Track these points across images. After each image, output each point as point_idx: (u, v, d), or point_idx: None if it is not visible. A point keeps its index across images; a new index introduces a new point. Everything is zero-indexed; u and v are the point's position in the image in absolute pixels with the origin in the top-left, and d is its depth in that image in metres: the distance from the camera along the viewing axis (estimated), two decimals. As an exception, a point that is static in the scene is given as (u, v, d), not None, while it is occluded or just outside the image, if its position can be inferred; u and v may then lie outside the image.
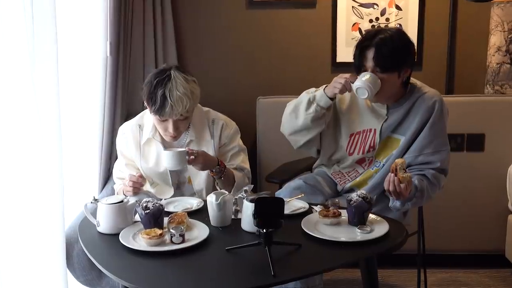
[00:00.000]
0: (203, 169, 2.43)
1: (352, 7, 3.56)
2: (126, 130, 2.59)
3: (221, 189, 2.49)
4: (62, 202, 2.17)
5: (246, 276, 1.80)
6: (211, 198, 2.12)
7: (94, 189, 2.87)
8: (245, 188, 2.15)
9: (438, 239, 3.34)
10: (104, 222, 2.08)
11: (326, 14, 3.60)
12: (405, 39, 2.42)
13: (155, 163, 2.54)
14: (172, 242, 1.93)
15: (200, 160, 2.38)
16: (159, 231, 1.95)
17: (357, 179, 2.60)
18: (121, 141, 2.60)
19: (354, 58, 2.44)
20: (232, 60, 3.69)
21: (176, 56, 3.52)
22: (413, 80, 2.54)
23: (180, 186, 2.62)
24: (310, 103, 2.47)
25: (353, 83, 2.36)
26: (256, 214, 1.81)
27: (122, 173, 2.58)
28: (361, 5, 3.56)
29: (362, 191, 2.13)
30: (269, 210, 1.82)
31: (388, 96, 2.47)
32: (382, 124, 2.51)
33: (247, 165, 2.63)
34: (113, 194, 2.66)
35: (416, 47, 2.52)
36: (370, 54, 2.36)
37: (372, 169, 2.57)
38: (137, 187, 2.37)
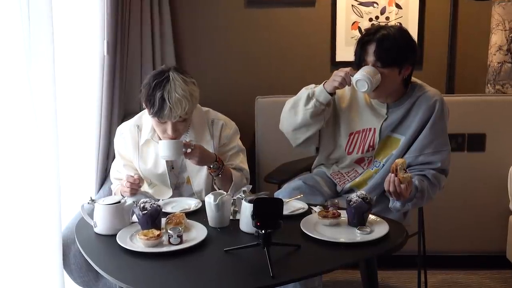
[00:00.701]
0: (199, 163, 2.41)
1: (352, 5, 3.56)
2: (124, 130, 2.58)
3: (219, 188, 2.48)
4: (58, 203, 2.17)
5: (244, 278, 1.79)
6: (209, 199, 2.11)
7: (91, 189, 2.86)
8: (243, 188, 2.15)
9: (438, 240, 3.34)
10: (101, 223, 2.07)
11: (325, 12, 3.59)
12: (407, 36, 2.43)
13: (154, 164, 2.52)
14: (169, 243, 1.92)
15: (197, 153, 2.37)
16: (156, 232, 1.94)
17: (357, 180, 2.59)
18: (119, 141, 2.58)
19: (355, 54, 2.45)
20: (230, 59, 3.68)
21: (174, 55, 3.51)
22: (413, 79, 2.54)
23: (179, 186, 2.61)
24: (309, 98, 2.46)
25: (352, 76, 2.36)
26: (255, 215, 1.81)
27: (119, 173, 2.57)
28: (361, 3, 3.55)
29: (361, 192, 2.13)
30: (268, 211, 1.82)
31: (388, 93, 2.46)
32: (382, 123, 2.50)
33: (245, 166, 2.62)
34: (110, 194, 2.65)
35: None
36: (371, 48, 2.37)
37: (372, 169, 2.56)
38: (134, 188, 2.36)
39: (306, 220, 2.13)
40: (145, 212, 2.00)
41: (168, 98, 2.28)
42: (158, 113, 2.32)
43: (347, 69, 2.39)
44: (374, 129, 2.52)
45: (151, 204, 2.02)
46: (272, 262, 1.75)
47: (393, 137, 2.52)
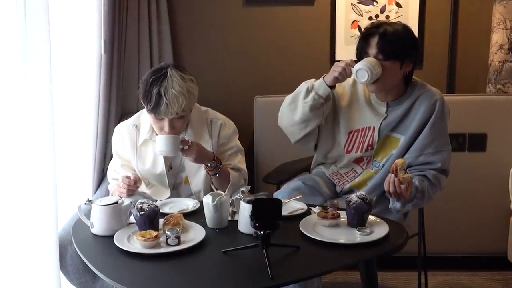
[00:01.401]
0: (196, 160, 2.40)
1: (351, 4, 3.55)
2: (122, 130, 2.57)
3: (216, 188, 2.48)
4: (55, 203, 2.16)
5: (243, 279, 1.79)
6: (208, 199, 2.11)
7: (88, 189, 2.86)
8: (242, 189, 2.15)
9: (439, 241, 3.33)
10: (98, 224, 2.07)
11: (324, 11, 3.58)
12: (410, 33, 2.45)
13: (152, 165, 2.51)
14: (167, 244, 1.92)
15: (194, 150, 2.36)
16: (154, 233, 1.93)
17: (356, 180, 2.58)
18: (117, 141, 2.58)
19: (357, 48, 2.47)
20: (229, 58, 3.67)
21: (172, 54, 3.50)
22: (414, 78, 2.53)
23: (177, 187, 2.60)
24: (308, 91, 2.47)
25: (353, 67, 2.37)
26: (254, 216, 1.81)
27: (117, 173, 2.56)
28: (361, 2, 3.54)
29: (361, 192, 2.12)
30: (266, 212, 1.81)
31: (388, 88, 2.46)
32: (381, 122, 2.50)
33: (244, 166, 2.61)
34: (108, 195, 2.64)
35: (417, 45, 2.53)
36: (374, 41, 2.39)
37: (372, 169, 2.55)
38: (131, 189, 2.36)
39: (305, 221, 2.12)
40: (143, 212, 2.00)
41: (164, 94, 2.28)
42: (154, 109, 2.31)
43: (348, 60, 2.41)
44: (373, 127, 2.51)
45: (148, 205, 2.02)
46: (271, 263, 1.74)
47: (393, 136, 2.51)
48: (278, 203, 1.84)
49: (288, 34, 3.63)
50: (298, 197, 2.37)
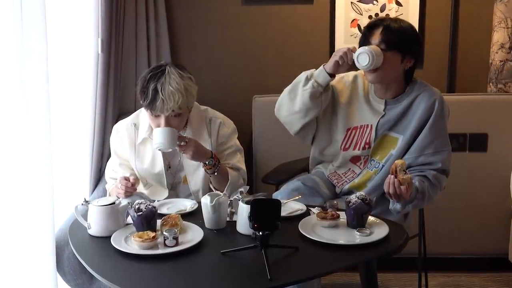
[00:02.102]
0: (194, 157, 2.39)
1: (351, 2, 3.54)
2: (121, 128, 2.56)
3: (214, 187, 2.48)
4: (52, 204, 2.17)
5: (241, 280, 1.79)
6: (206, 200, 2.10)
7: (85, 190, 2.86)
8: (240, 189, 2.15)
9: (439, 242, 3.33)
10: (95, 225, 2.06)
11: (324, 10, 3.57)
12: (414, 30, 2.50)
13: (151, 164, 2.51)
14: (165, 245, 1.91)
15: (191, 146, 2.36)
16: (152, 234, 1.93)
17: (356, 181, 2.57)
18: (115, 140, 2.57)
19: (360, 40, 2.49)
20: (227, 57, 3.66)
21: (170, 52, 3.49)
22: (414, 77, 2.53)
23: (175, 186, 2.59)
24: (307, 79, 2.48)
25: (354, 53, 2.38)
26: (252, 216, 1.80)
27: (115, 173, 2.56)
28: (360, 0, 3.53)
29: (361, 193, 2.12)
30: (265, 212, 1.81)
31: (387, 80, 2.46)
32: (379, 120, 2.50)
33: (243, 166, 2.60)
34: (105, 195, 2.65)
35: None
36: (378, 31, 2.42)
37: (371, 170, 2.54)
38: (129, 191, 2.35)
39: (304, 222, 2.12)
40: (140, 213, 1.99)
41: (161, 89, 2.29)
42: (150, 105, 2.32)
43: (350, 46, 2.43)
44: (371, 125, 2.52)
45: (146, 205, 2.01)
46: (269, 264, 1.74)
47: (390, 135, 2.51)
48: (277, 204, 1.84)
49: (287, 33, 3.62)
50: (297, 197, 2.37)
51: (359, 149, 2.54)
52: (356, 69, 2.45)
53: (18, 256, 2.05)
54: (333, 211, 2.13)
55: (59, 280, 2.32)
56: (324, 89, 2.48)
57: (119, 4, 3.13)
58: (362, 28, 3.47)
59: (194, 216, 2.22)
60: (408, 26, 2.45)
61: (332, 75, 2.46)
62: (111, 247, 1.93)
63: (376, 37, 2.40)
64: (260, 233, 1.78)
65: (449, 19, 3.54)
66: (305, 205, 2.30)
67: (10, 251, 2.02)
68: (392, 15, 3.50)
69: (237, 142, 2.63)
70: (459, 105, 3.18)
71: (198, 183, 2.52)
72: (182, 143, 2.34)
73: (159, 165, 2.50)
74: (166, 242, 1.90)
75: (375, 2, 3.52)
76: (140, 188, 2.53)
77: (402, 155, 2.45)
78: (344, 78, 2.62)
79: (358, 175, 2.57)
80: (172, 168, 2.55)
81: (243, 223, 2.02)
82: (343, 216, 2.12)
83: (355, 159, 2.58)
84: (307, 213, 2.23)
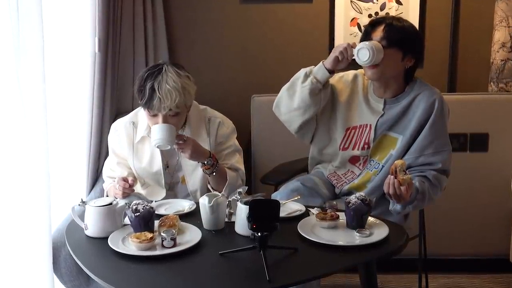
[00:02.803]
0: (192, 156, 2.38)
1: (351, 1, 3.53)
2: (119, 127, 2.56)
3: (213, 187, 2.48)
4: (48, 204, 2.16)
5: (240, 282, 1.79)
6: (204, 201, 2.10)
7: (82, 190, 2.85)
8: (239, 190, 2.14)
9: (439, 243, 3.32)
10: (92, 225, 2.06)
11: (323, 8, 3.57)
12: (417, 31, 2.55)
13: (149, 163, 2.51)
14: (163, 246, 1.91)
15: (190, 145, 2.35)
16: (149, 235, 1.93)
17: (355, 182, 2.57)
18: (113, 138, 2.57)
19: (361, 36, 2.50)
20: (225, 56, 3.66)
21: (167, 52, 3.49)
22: (414, 77, 2.53)
23: (173, 186, 2.59)
24: (306, 76, 2.49)
25: (354, 48, 2.38)
26: (251, 217, 1.80)
27: (113, 172, 2.56)
28: (360, -1, 3.53)
29: (361, 193, 2.12)
30: (264, 213, 1.81)
31: (387, 77, 2.45)
32: (378, 120, 2.50)
33: (241, 166, 2.60)
34: (102, 195, 2.64)
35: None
36: (380, 28, 2.42)
37: (371, 170, 2.53)
38: (126, 192, 2.35)
39: (303, 223, 2.11)
40: (138, 214, 1.99)
41: (158, 88, 2.29)
42: (147, 103, 2.32)
43: (350, 42, 2.44)
44: (370, 125, 2.51)
45: (143, 206, 2.01)
46: (268, 265, 1.74)
47: (390, 135, 2.50)
48: (276, 204, 1.83)
49: (286, 32, 3.61)
50: (296, 198, 2.37)
51: (358, 149, 2.54)
52: (356, 66, 2.44)
53: (15, 257, 2.04)
54: (332, 212, 2.12)
55: (55, 281, 2.31)
56: (323, 86, 2.48)
57: (116, 3, 3.12)
58: (361, 27, 3.48)
59: (192, 216, 2.21)
60: (410, 26, 2.46)
61: (331, 72, 2.45)
62: (108, 248, 1.93)
63: (378, 34, 2.40)
64: (259, 234, 1.78)
65: (450, 18, 3.53)
66: (304, 205, 2.30)
67: (6, 252, 2.01)
68: (392, 13, 3.49)
69: (236, 142, 2.62)
70: (459, 104, 3.18)
71: (196, 183, 2.52)
72: (181, 142, 2.34)
73: (157, 164, 2.49)
74: (164, 243, 1.90)
75: (375, 0, 3.51)
76: (138, 188, 2.53)
77: (402, 155, 2.45)
78: (344, 77, 2.62)
79: (358, 176, 2.56)
80: (170, 167, 2.55)
81: (241, 224, 2.01)
82: (342, 217, 2.12)
83: (354, 160, 2.58)
84: (306, 214, 2.23)
